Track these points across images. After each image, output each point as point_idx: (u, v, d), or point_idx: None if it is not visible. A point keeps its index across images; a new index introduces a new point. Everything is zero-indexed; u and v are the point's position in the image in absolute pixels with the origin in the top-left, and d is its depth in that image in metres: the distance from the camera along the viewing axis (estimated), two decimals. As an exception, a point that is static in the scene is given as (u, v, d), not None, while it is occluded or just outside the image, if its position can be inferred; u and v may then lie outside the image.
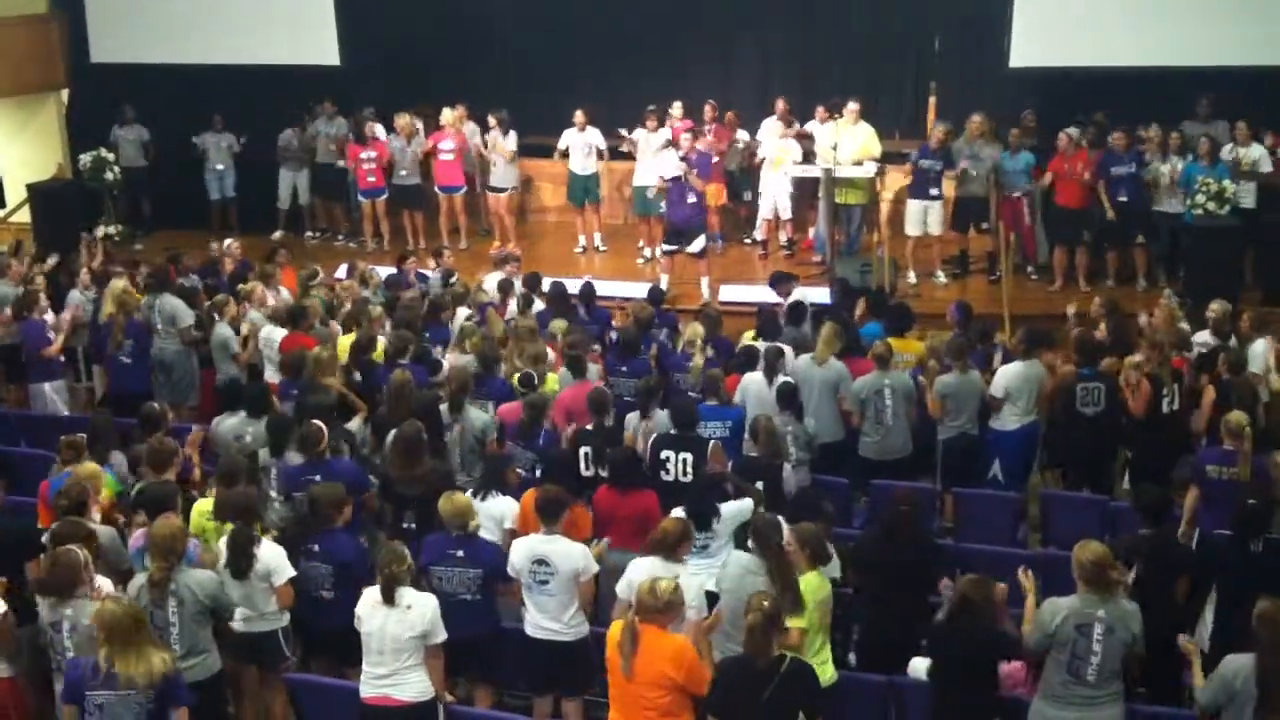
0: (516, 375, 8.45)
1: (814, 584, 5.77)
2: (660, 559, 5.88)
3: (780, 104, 13.02)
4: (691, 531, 6.10)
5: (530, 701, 6.41)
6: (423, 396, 7.81)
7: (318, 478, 6.97)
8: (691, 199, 11.83)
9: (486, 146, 13.64)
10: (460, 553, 6.17)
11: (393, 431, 7.36)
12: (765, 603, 5.18)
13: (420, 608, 5.63)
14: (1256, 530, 6.12)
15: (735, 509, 6.59)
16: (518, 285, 10.58)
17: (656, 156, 12.64)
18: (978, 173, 12.03)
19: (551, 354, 8.93)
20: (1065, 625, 5.40)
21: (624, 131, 13.03)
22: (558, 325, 9.31)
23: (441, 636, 5.66)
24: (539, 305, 10.24)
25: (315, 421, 7.23)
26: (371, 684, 5.71)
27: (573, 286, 10.53)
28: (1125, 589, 5.46)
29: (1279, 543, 6.11)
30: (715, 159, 12.88)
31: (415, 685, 5.68)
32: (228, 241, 12.01)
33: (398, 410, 7.71)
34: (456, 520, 6.18)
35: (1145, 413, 8.07)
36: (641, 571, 5.79)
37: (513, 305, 10.20)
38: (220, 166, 14.60)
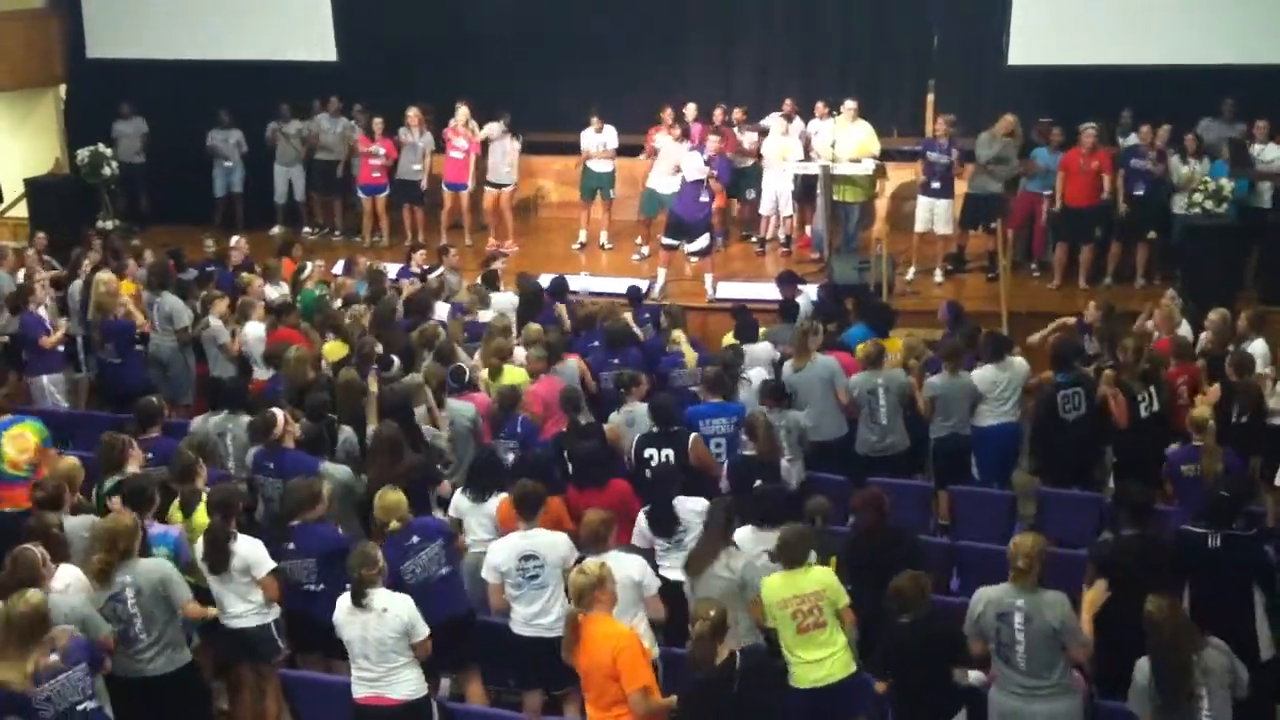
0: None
1: (774, 584, 5.84)
2: (591, 552, 5.94)
3: (788, 103, 13.06)
4: (611, 524, 6.09)
5: (521, 697, 6.42)
6: (392, 395, 7.80)
7: (271, 465, 7.03)
8: (705, 198, 11.82)
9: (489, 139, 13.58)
10: (415, 539, 6.18)
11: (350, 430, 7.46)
12: (711, 612, 5.25)
13: (396, 609, 5.61)
14: (1218, 522, 6.13)
15: (702, 501, 6.60)
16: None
17: (672, 159, 12.55)
18: (999, 170, 12.02)
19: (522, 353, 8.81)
20: (987, 613, 5.52)
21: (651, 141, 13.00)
22: (533, 329, 9.19)
23: (424, 633, 5.65)
24: (500, 302, 10.20)
25: (273, 409, 7.23)
26: (363, 684, 5.70)
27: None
28: (1038, 580, 5.55)
29: (1236, 538, 6.12)
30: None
31: (407, 684, 5.67)
32: (235, 238, 12.01)
33: (348, 410, 7.76)
34: (389, 517, 6.17)
35: (1126, 419, 8.07)
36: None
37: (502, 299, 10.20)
38: (229, 163, 14.62)
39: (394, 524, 6.18)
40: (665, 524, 6.56)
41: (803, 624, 5.78)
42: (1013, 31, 12.66)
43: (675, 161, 12.33)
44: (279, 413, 7.19)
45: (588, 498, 6.80)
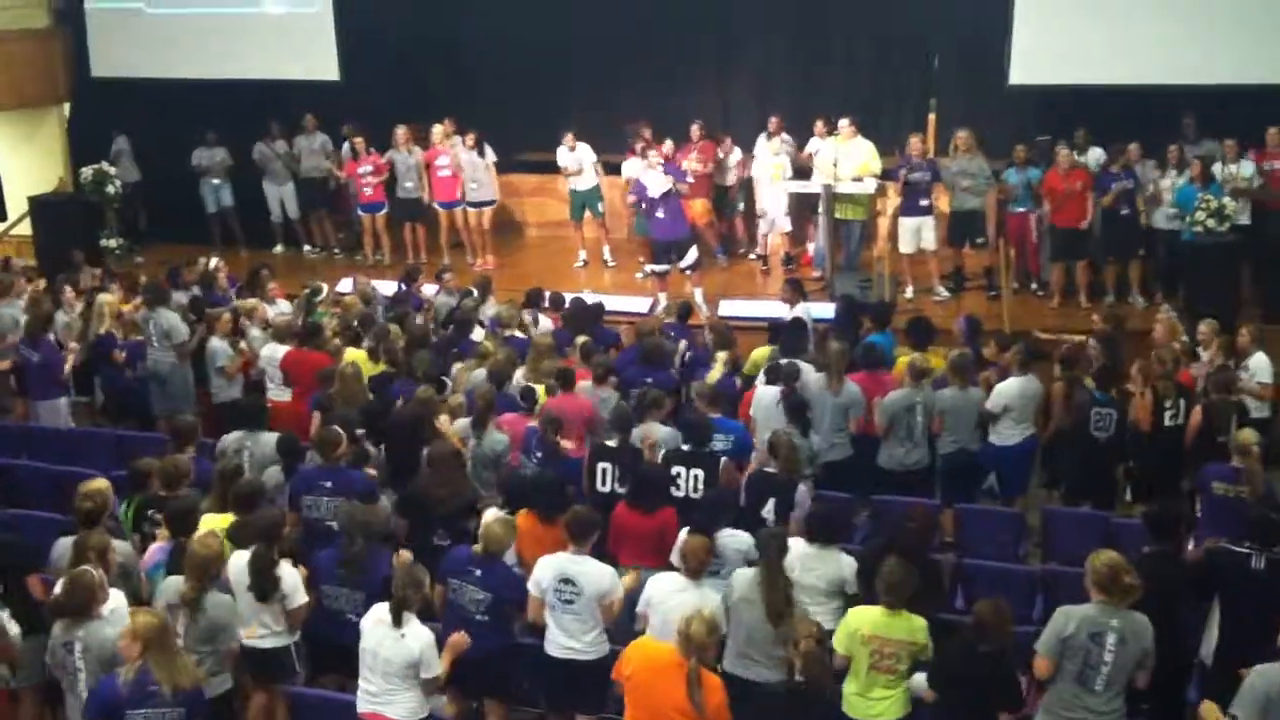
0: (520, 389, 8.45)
1: (868, 619, 5.72)
2: (684, 577, 5.92)
3: (773, 121, 13.15)
4: (712, 551, 6.10)
5: (545, 718, 6.43)
6: (406, 412, 7.82)
7: (329, 484, 7.01)
8: (661, 214, 11.87)
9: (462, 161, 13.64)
10: (478, 571, 6.15)
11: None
12: (814, 629, 5.23)
13: (413, 640, 5.60)
14: (1264, 544, 6.07)
15: (746, 538, 6.56)
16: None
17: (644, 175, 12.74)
18: (967, 187, 12.09)
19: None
20: (1079, 633, 5.42)
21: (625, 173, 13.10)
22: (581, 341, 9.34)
23: (433, 671, 5.65)
24: (545, 322, 10.29)
25: (335, 427, 7.26)
26: (365, 699, 5.72)
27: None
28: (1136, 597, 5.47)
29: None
30: (694, 174, 12.92)
31: (406, 704, 5.67)
32: (215, 260, 12.00)
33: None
34: (490, 547, 6.16)
35: (1148, 423, 8.06)
36: (666, 588, 5.89)
37: (544, 322, 10.26)
38: (216, 181, 14.64)
39: (478, 546, 6.17)
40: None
41: (879, 664, 5.68)
42: (1014, 52, 12.77)
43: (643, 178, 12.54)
44: (342, 431, 7.21)
45: (635, 521, 6.78)
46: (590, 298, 10.83)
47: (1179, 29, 12.32)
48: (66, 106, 15.90)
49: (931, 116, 12.59)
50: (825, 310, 10.82)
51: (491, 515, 6.40)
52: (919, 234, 12.31)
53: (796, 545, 6.28)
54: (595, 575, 6.07)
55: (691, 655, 5.23)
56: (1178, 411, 8.11)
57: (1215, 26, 12.22)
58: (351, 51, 14.64)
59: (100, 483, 6.58)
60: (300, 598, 6.18)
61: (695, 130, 13.29)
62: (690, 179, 12.63)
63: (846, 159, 12.28)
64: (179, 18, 15.00)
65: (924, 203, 12.24)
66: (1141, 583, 5.48)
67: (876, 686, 5.67)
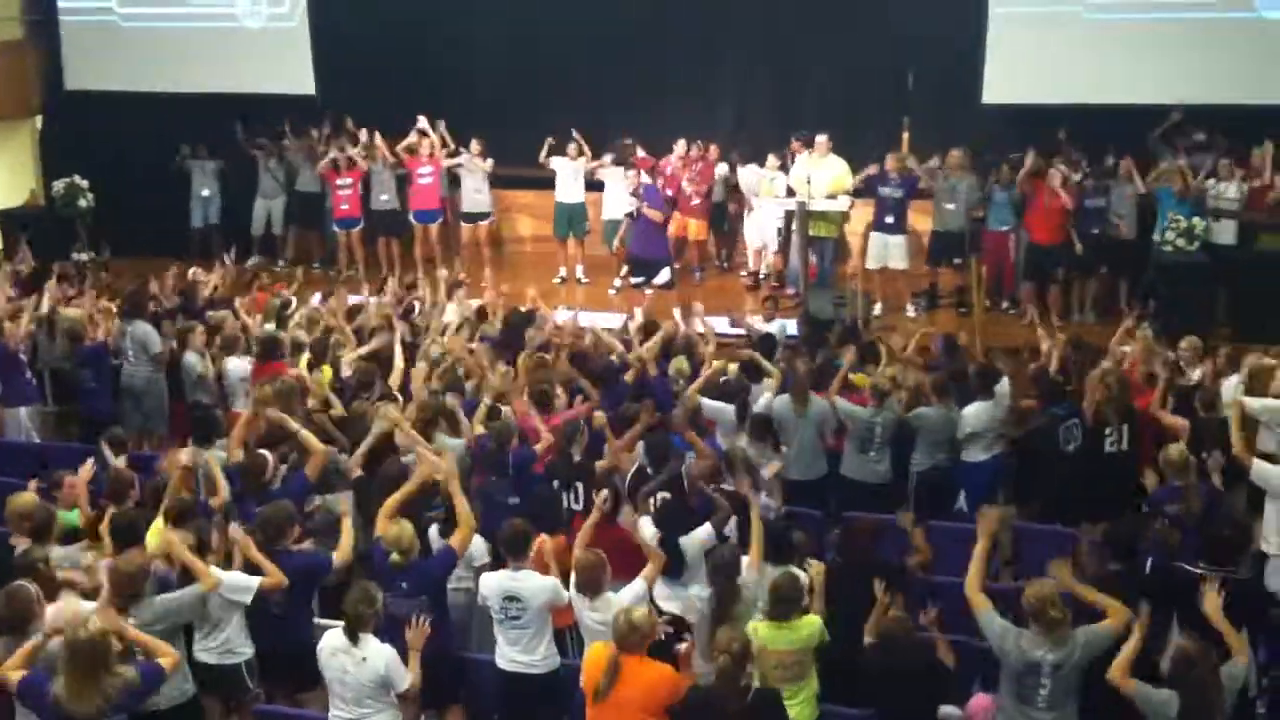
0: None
1: (760, 635, 5.76)
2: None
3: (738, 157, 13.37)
4: (604, 564, 6.07)
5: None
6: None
7: (256, 512, 6.93)
8: (647, 230, 11.93)
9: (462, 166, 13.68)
10: (404, 585, 6.13)
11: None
12: (735, 644, 5.20)
13: (374, 660, 5.56)
14: (1217, 563, 6.11)
15: (702, 536, 6.58)
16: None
17: (614, 191, 12.91)
18: (955, 206, 12.13)
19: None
20: (1013, 657, 5.48)
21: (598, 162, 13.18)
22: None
23: (403, 685, 5.61)
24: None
25: (261, 451, 7.19)
26: (340, 722, 5.67)
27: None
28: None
29: (1238, 583, 6.07)
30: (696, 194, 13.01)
31: None
32: (193, 269, 11.94)
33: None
34: (402, 548, 6.13)
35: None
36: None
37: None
38: (206, 192, 14.54)
39: (395, 557, 6.13)
40: (675, 566, 6.52)
41: (782, 676, 5.73)
42: (987, 70, 12.88)
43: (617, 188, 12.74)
44: (267, 455, 7.15)
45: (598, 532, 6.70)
46: (564, 315, 10.80)
47: (1152, 48, 12.45)
48: (39, 119, 15.80)
49: (905, 135, 12.67)
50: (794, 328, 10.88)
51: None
52: (886, 250, 12.35)
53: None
54: (537, 589, 6.10)
55: (612, 644, 5.27)
56: (1120, 438, 8.11)
57: (1191, 46, 12.34)
58: (326, 65, 14.60)
59: (27, 500, 6.51)
60: (249, 590, 6.04)
61: (694, 150, 13.34)
62: (664, 207, 12.76)
63: (819, 176, 12.32)
64: (155, 31, 15.00)
65: (889, 219, 12.29)
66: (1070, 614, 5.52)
67: (784, 692, 5.68)
